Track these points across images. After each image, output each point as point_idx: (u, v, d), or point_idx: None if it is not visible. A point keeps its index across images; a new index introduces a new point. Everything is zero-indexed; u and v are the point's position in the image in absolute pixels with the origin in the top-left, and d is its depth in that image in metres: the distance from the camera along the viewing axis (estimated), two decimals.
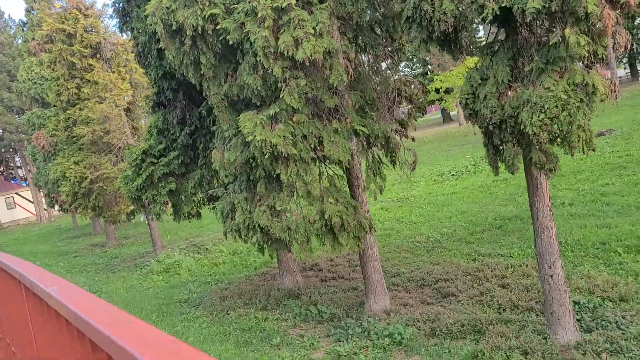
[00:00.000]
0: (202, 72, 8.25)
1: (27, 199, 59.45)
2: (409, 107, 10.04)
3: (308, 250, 8.26)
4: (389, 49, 8.31)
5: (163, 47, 10.27)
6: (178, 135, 11.44)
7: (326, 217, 7.93)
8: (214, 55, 7.99)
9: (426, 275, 11.22)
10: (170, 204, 12.43)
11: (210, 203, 13.43)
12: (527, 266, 10.17)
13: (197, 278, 16.12)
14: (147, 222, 21.49)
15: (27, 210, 59.86)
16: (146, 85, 22.03)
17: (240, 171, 8.54)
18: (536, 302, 8.41)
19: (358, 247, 8.59)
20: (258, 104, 8.04)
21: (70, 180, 19.42)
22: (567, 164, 17.48)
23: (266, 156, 7.67)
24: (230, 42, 7.54)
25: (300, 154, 7.71)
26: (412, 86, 9.69)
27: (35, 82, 26.33)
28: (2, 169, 75.37)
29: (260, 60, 7.29)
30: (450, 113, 58.88)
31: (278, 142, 7.53)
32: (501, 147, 6.41)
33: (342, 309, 10.12)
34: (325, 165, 8.58)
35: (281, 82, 7.37)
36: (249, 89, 7.82)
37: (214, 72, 8.21)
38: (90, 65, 20.15)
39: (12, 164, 71.27)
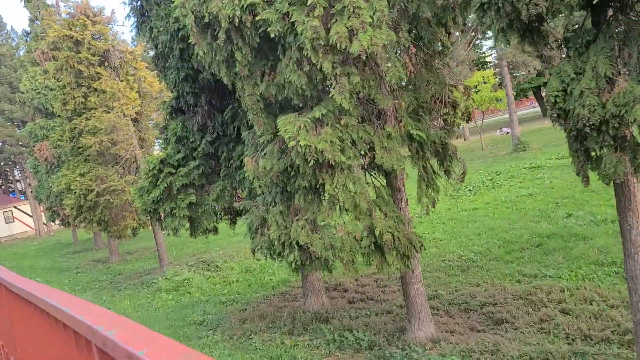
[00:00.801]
0: (236, 70, 7.37)
1: (26, 213, 58.35)
2: (451, 113, 9.16)
3: (353, 271, 7.30)
4: (444, 44, 7.44)
5: (185, 47, 9.43)
6: (198, 143, 10.54)
7: (377, 233, 6.99)
8: (250, 51, 7.12)
9: (469, 298, 10.25)
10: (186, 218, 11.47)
11: (228, 217, 12.48)
12: (586, 289, 9.21)
13: (210, 298, 15.09)
14: (154, 236, 20.50)
15: (26, 225, 58.73)
16: (155, 95, 21.23)
17: (276, 181, 7.61)
18: (612, 331, 7.44)
19: (407, 267, 7.64)
20: (300, 105, 7.15)
21: (75, 192, 18.45)
22: None
23: (310, 164, 6.76)
24: (272, 35, 6.67)
25: (348, 162, 6.80)
26: (457, 90, 8.82)
27: (39, 92, 25.48)
28: (1, 182, 74.37)
29: (307, 54, 6.41)
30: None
31: (324, 147, 6.63)
32: (594, 153, 5.51)
33: (382, 335, 9.12)
34: (372, 175, 7.67)
35: (330, 80, 6.48)
36: (290, 89, 6.93)
37: (249, 70, 7.33)
38: (98, 73, 19.32)
39: (11, 178, 70.28)
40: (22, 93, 26.45)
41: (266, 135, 7.66)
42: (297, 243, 7.56)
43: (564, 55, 5.92)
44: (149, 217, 11.10)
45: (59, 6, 26.65)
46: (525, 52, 33.76)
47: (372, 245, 7.24)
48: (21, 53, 50.27)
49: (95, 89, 19.39)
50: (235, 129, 10.20)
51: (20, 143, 47.78)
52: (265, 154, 7.67)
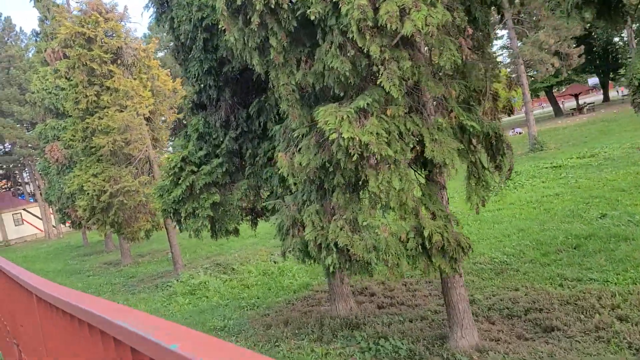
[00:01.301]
0: (269, 58, 6.81)
1: (35, 215, 58.17)
2: (492, 105, 8.55)
3: (398, 275, 6.71)
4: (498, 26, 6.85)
5: (209, 37, 8.89)
6: (222, 140, 9.99)
7: (425, 234, 6.39)
8: (286, 37, 6.55)
9: (510, 303, 9.63)
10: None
11: (249, 218, 11.91)
12: None
13: (229, 302, 14.53)
14: (168, 238, 19.99)
15: (35, 227, 58.54)
16: (168, 94, 20.74)
17: (312, 178, 7.04)
18: None
19: (455, 271, 7.04)
20: (341, 94, 6.57)
21: (88, 193, 17.96)
22: None
23: (354, 158, 6.18)
24: (312, 18, 6.10)
25: (395, 156, 6.21)
26: (500, 80, 8.21)
27: (50, 92, 25.06)
28: (10, 184, 74.36)
29: (352, 37, 5.84)
30: None
31: (370, 140, 6.04)
32: None
33: (421, 343, 8.52)
34: (415, 171, 7.08)
35: (377, 65, 5.90)
36: (330, 76, 6.36)
37: (284, 58, 6.77)
38: (111, 71, 18.84)
39: (20, 180, 70.22)
40: (33, 93, 26.05)
41: (301, 128, 7.09)
42: (336, 245, 6.98)
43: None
44: (169, 218, 10.54)
45: (70, 4, 26.27)
46: (542, 49, 33.06)
47: (419, 247, 6.64)
48: (30, 55, 50.12)
49: (108, 88, 18.91)
50: (262, 124, 9.64)
51: (29, 145, 47.54)
52: (300, 149, 7.10)
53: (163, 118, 20.72)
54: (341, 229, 6.93)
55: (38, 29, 31.91)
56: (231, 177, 10.14)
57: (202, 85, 9.79)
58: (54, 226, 53.07)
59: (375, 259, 6.69)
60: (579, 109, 49.03)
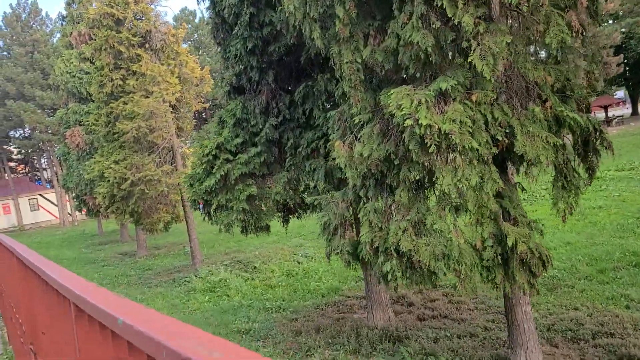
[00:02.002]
0: (335, 30, 5.92)
1: (51, 202, 58.01)
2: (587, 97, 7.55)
3: (470, 290, 5.78)
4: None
5: (255, 13, 8.04)
6: (261, 127, 9.14)
7: (509, 243, 5.46)
8: (354, 6, 5.66)
9: (572, 324, 8.65)
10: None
11: (281, 214, 11.04)
12: None
13: (252, 302, 13.68)
14: (188, 231, 19.21)
15: (50, 213, 58.37)
16: (195, 82, 19.98)
17: (374, 171, 6.13)
18: None
19: (532, 287, 6.09)
20: (417, 75, 5.66)
21: (108, 181, 17.24)
22: None
23: (430, 149, 5.27)
24: None
25: (479, 150, 5.29)
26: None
27: (74, 76, 24.45)
28: (27, 169, 74.54)
29: (441, 4, 4.93)
30: None
31: (451, 129, 5.13)
32: None
33: None
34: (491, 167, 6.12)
35: (469, 40, 4.98)
36: (406, 53, 5.45)
37: (350, 31, 5.87)
38: (138, 55, 18.12)
39: (37, 166, 70.31)
40: (57, 76, 25.48)
41: (363, 114, 6.20)
42: (396, 249, 6.07)
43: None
44: (198, 209, 9.71)
45: None
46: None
47: (498, 257, 5.70)
48: (55, 40, 49.90)
49: (135, 72, 18.19)
50: (306, 111, 8.77)
51: (49, 130, 47.26)
52: (360, 138, 6.21)
53: (188, 107, 19.95)
54: (404, 232, 6.02)
55: (64, 13, 31.38)
56: (269, 169, 9.29)
57: (243, 66, 8.94)
58: (69, 213, 52.78)
59: (445, 268, 5.77)
60: (608, 122, 47.53)
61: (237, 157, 9.09)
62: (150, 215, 18.44)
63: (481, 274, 5.89)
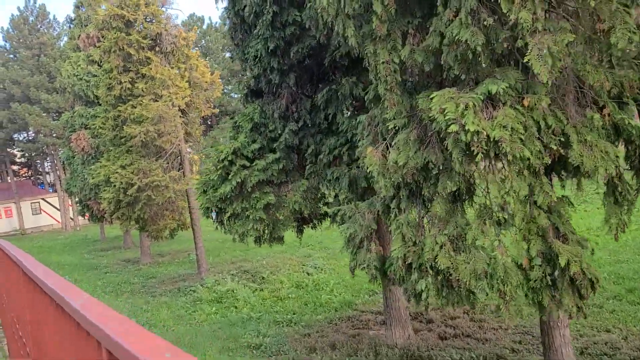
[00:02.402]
0: (371, 28, 5.48)
1: (53, 206, 57.61)
2: None
3: (514, 313, 5.30)
4: None
5: (278, 11, 7.61)
6: (279, 133, 8.69)
7: (562, 263, 4.97)
8: (394, 2, 5.22)
9: (607, 348, 8.14)
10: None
11: (295, 224, 10.55)
12: None
13: (262, 315, 13.17)
14: (194, 239, 18.73)
15: (52, 217, 57.96)
16: (205, 87, 19.60)
17: (409, 181, 5.66)
18: None
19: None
20: (462, 77, 5.21)
21: (114, 185, 16.79)
22: None
23: (477, 158, 4.81)
24: None
25: (532, 160, 4.82)
26: None
27: (81, 78, 24.09)
28: (30, 173, 74.24)
29: None
30: None
31: (502, 136, 4.67)
32: None
33: None
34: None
35: (525, 38, 4.52)
36: (451, 53, 5.00)
37: (388, 29, 5.43)
38: (148, 58, 17.73)
39: (41, 169, 70.03)
40: (64, 78, 25.14)
41: (399, 118, 5.74)
42: (433, 267, 5.59)
43: None
44: (210, 218, 9.25)
45: None
46: None
47: (546, 277, 5.21)
48: (62, 43, 49.74)
49: (144, 75, 17.80)
50: (328, 117, 8.32)
51: (54, 134, 46.96)
52: (395, 144, 5.74)
53: (198, 111, 19.54)
54: (441, 247, 5.54)
55: (72, 15, 31.11)
56: (287, 176, 8.83)
57: (262, 68, 8.51)
58: (71, 218, 52.38)
59: (488, 288, 5.28)
60: None
61: (254, 163, 8.63)
62: (156, 222, 17.97)
63: (526, 295, 5.40)
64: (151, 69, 17.57)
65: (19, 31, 48.32)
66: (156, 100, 17.51)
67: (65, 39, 47.23)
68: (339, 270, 17.18)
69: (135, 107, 17.44)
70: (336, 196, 8.45)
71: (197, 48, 52.36)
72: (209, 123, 52.25)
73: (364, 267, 6.74)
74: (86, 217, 42.46)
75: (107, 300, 16.15)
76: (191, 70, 18.95)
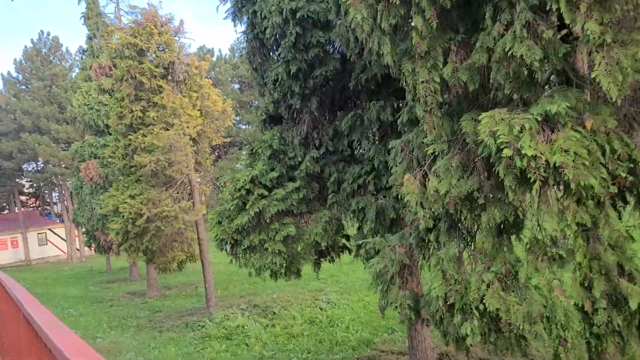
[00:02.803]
0: (409, 45, 5.04)
1: (59, 237, 57.19)
2: None
3: None
4: None
5: (302, 33, 7.22)
6: (300, 160, 8.21)
7: (633, 306, 4.38)
8: (437, 16, 4.78)
9: None
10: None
11: (313, 258, 9.96)
12: None
13: (275, 354, 12.45)
14: (203, 272, 18.10)
15: (58, 248, 57.47)
16: (216, 116, 19.29)
17: (451, 211, 5.12)
18: None
19: None
20: (514, 97, 4.72)
21: (123, 216, 16.31)
22: None
23: (534, 186, 4.28)
24: None
25: (594, 187, 4.28)
26: None
27: (92, 108, 23.93)
28: (38, 203, 74.17)
29: (556, 8, 4.02)
30: None
31: (564, 162, 4.15)
32: None
33: None
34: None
35: (591, 52, 4.05)
36: (501, 71, 4.53)
37: (428, 46, 4.98)
38: (160, 86, 17.49)
39: (48, 200, 69.98)
40: (74, 108, 25.00)
41: (438, 143, 5.24)
42: (477, 308, 5.00)
43: None
44: (225, 250, 8.71)
45: (121, 21, 25.44)
46: None
47: (613, 322, 4.60)
48: (73, 75, 50.16)
49: (155, 104, 17.52)
50: (352, 143, 7.83)
51: (62, 164, 46.87)
52: (434, 171, 5.22)
53: (209, 140, 19.18)
54: (489, 286, 4.96)
55: (85, 47, 31.26)
56: (307, 206, 8.30)
57: (282, 92, 8.09)
58: (77, 249, 51.84)
59: (546, 334, 4.66)
60: None
61: (273, 192, 8.13)
62: (164, 254, 17.41)
63: (589, 343, 4.77)
64: (163, 97, 17.30)
65: (31, 62, 48.83)
66: (167, 129, 17.18)
67: (77, 70, 47.66)
68: (353, 305, 16.47)
69: (146, 136, 17.10)
70: (359, 228, 7.89)
71: (207, 79, 52.73)
72: (217, 153, 52.15)
73: (397, 307, 6.14)
74: (92, 248, 41.96)
75: (114, 336, 15.48)
76: (203, 99, 18.68)
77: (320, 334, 13.79)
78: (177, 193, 17.17)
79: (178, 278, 27.83)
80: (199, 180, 18.74)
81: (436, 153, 5.32)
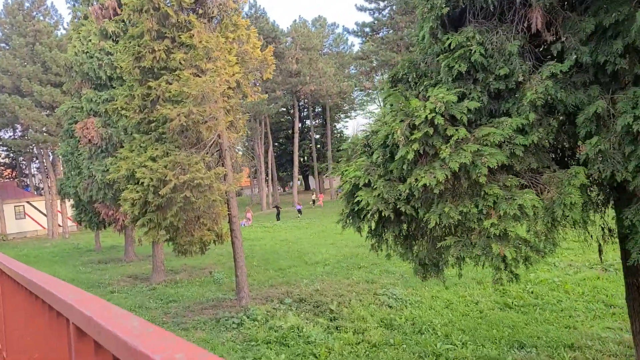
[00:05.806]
0: None
1: (39, 210, 52.93)
2: None
3: None
4: None
5: None
6: (522, 79, 4.78)
7: None
8: None
9: None
10: None
11: None
12: None
13: None
14: (234, 255, 14.60)
15: (38, 223, 53.25)
16: (256, 65, 15.65)
17: None
18: None
19: None
20: None
21: (142, 183, 12.68)
22: None
23: None
24: None
25: None
26: None
27: (92, 56, 19.98)
28: (14, 174, 69.32)
29: None
30: None
31: None
32: None
33: None
34: None
35: None
36: None
37: None
38: (189, 22, 13.79)
39: (26, 171, 65.27)
40: (69, 56, 20.97)
41: None
42: None
43: None
44: (356, 228, 5.27)
45: None
46: None
47: None
48: (59, 33, 45.56)
49: (182, 43, 13.84)
50: (630, 49, 4.41)
51: (45, 130, 42.54)
52: None
53: (244, 95, 15.57)
54: None
55: None
56: (538, 160, 4.87)
57: None
58: (59, 224, 47.71)
59: None
60: None
61: (476, 132, 4.70)
62: (190, 233, 13.85)
63: None
64: (193, 35, 13.61)
65: (12, 17, 44.08)
66: (198, 75, 13.54)
67: (63, 31, 43.10)
68: (429, 303, 13.17)
69: (171, 83, 13.43)
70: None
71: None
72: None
73: None
74: (76, 225, 37.95)
75: None
76: (240, 42, 15.02)
77: (409, 342, 10.49)
78: (210, 157, 13.59)
79: (183, 261, 24.23)
80: (231, 142, 15.13)
81: None
